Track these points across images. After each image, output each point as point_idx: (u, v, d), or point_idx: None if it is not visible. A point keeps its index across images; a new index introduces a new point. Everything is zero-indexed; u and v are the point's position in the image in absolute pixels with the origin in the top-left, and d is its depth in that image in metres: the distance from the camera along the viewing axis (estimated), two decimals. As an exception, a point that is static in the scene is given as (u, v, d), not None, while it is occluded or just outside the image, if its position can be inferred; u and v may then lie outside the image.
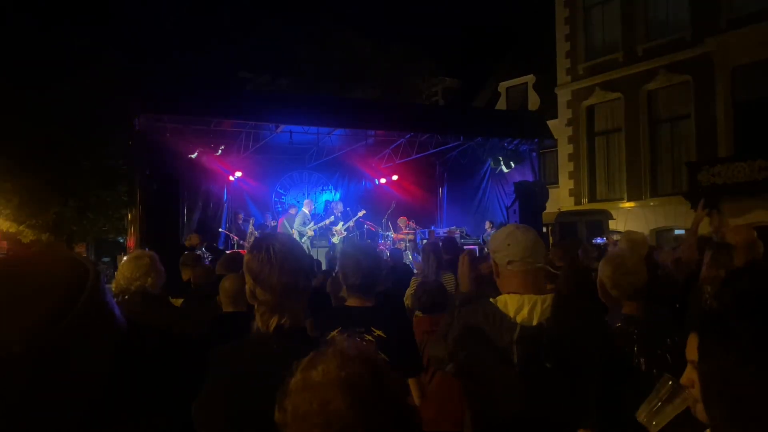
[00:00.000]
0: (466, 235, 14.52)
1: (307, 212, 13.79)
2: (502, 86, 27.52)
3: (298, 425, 1.18)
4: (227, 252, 5.90)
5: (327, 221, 13.67)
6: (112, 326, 0.71)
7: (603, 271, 2.68)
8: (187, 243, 6.91)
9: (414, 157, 15.20)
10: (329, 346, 1.26)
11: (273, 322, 1.78)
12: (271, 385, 1.23)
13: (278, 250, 1.79)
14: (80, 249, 24.72)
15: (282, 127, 12.77)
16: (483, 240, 13.69)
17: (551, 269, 2.42)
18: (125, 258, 3.52)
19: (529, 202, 12.74)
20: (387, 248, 13.00)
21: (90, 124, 22.14)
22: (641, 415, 1.37)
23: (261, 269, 1.78)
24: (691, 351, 1.12)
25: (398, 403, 1.23)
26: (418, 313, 4.26)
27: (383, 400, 1.20)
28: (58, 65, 21.63)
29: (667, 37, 18.95)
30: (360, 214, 13.94)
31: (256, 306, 1.82)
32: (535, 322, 2.11)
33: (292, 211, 14.25)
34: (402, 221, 14.58)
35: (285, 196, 15.69)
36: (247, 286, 1.84)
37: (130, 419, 0.71)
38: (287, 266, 1.78)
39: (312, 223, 13.57)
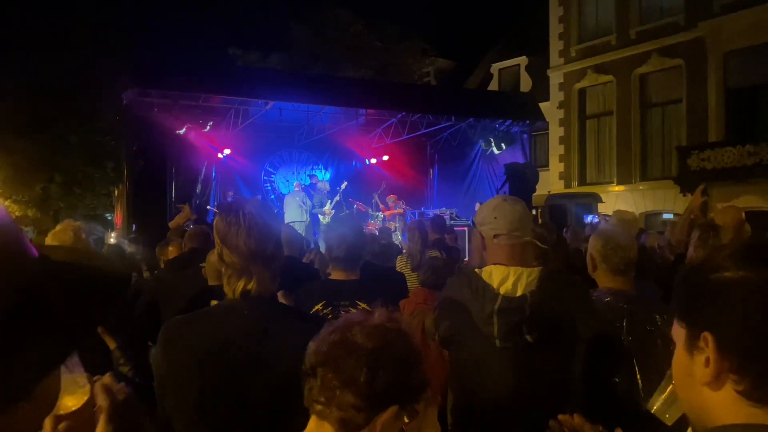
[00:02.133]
0: (456, 216, 14.50)
1: (298, 190, 13.72)
2: (495, 68, 27.39)
3: (320, 392, 1.13)
4: (193, 226, 5.72)
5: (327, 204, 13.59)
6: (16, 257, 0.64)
7: (593, 245, 2.66)
8: (172, 224, 6.74)
9: (405, 137, 15.11)
10: (358, 318, 1.21)
11: (240, 285, 1.74)
12: (243, 349, 1.20)
13: (247, 213, 1.75)
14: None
15: (271, 104, 12.63)
16: (473, 222, 13.65)
17: (539, 244, 2.38)
18: (51, 232, 3.36)
19: (520, 184, 12.73)
20: (376, 228, 12.96)
21: (78, 99, 21.87)
22: (654, 405, 1.28)
23: (228, 230, 1.74)
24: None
25: (416, 383, 1.19)
26: (417, 285, 4.25)
27: (411, 380, 1.16)
28: (46, 41, 21.31)
29: (660, 21, 18.89)
30: (342, 186, 13.86)
31: (223, 270, 1.77)
32: (518, 294, 2.08)
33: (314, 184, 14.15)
34: (391, 199, 14.53)
35: (274, 174, 15.58)
36: (215, 249, 1.80)
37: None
38: (255, 229, 1.74)
39: (329, 202, 13.54)
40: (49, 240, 3.26)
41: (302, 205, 13.28)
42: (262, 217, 1.78)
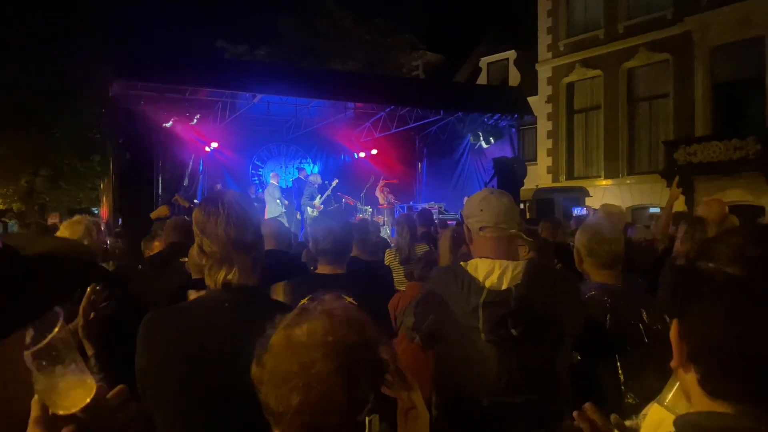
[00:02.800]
0: (445, 210, 14.52)
1: (275, 183, 13.68)
2: (483, 62, 27.38)
3: (275, 384, 1.14)
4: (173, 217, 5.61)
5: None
6: None
7: (579, 239, 2.65)
8: (153, 215, 6.66)
9: (394, 131, 15.09)
10: (317, 305, 1.21)
11: (221, 275, 1.72)
12: (225, 341, 1.18)
13: (226, 202, 1.74)
14: (53, 219, 24.33)
15: (259, 97, 12.56)
16: (461, 216, 13.68)
17: (525, 237, 2.38)
18: (64, 223, 3.46)
19: (508, 178, 12.73)
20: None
21: (64, 92, 21.63)
22: (664, 399, 1.24)
23: (207, 220, 1.73)
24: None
25: (381, 371, 1.18)
26: (414, 281, 4.23)
27: (366, 366, 1.15)
28: (31, 33, 21.04)
29: (648, 16, 18.94)
30: (333, 183, 13.84)
31: (204, 261, 1.75)
32: (504, 287, 2.06)
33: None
34: (382, 190, 14.49)
35: (262, 168, 15.51)
36: (195, 241, 1.78)
37: None
38: (234, 217, 1.72)
39: (318, 197, 13.52)
40: (62, 228, 3.39)
41: (279, 200, 13.27)
42: (241, 205, 1.77)
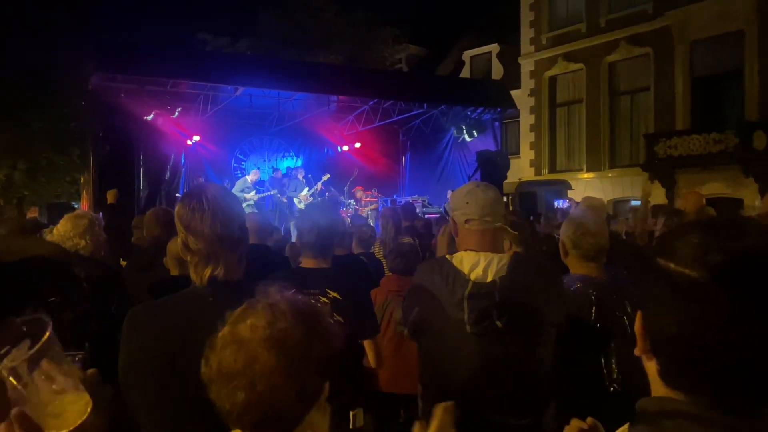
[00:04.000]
0: (428, 204, 14.53)
1: (248, 180, 13.58)
2: (467, 55, 27.41)
3: (222, 383, 1.12)
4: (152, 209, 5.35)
5: (271, 192, 13.43)
6: None
7: (564, 231, 2.67)
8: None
9: (377, 124, 15.05)
10: (261, 299, 1.19)
11: (207, 272, 1.69)
12: (208, 336, 1.17)
13: (210, 198, 1.71)
14: (32, 214, 23.97)
15: (241, 90, 12.44)
16: (445, 209, 13.73)
17: (510, 230, 2.38)
18: (66, 216, 3.42)
19: (491, 171, 12.79)
20: (349, 216, 12.92)
21: (41, 84, 21.27)
22: None
23: (192, 217, 1.69)
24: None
25: (331, 362, 1.17)
26: (388, 272, 4.23)
27: (314, 359, 1.13)
28: (5, 24, 20.64)
29: (629, 10, 19.08)
30: (324, 178, 13.79)
31: (189, 258, 1.73)
32: (489, 279, 2.07)
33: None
34: (359, 191, 14.47)
35: (245, 161, 15.39)
36: (179, 238, 1.76)
37: None
38: (220, 214, 1.70)
39: (253, 192, 13.39)
40: (64, 222, 3.35)
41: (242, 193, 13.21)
42: (226, 201, 1.74)
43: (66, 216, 3.39)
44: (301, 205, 13.21)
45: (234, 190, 12.91)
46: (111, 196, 6.48)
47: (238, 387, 1.09)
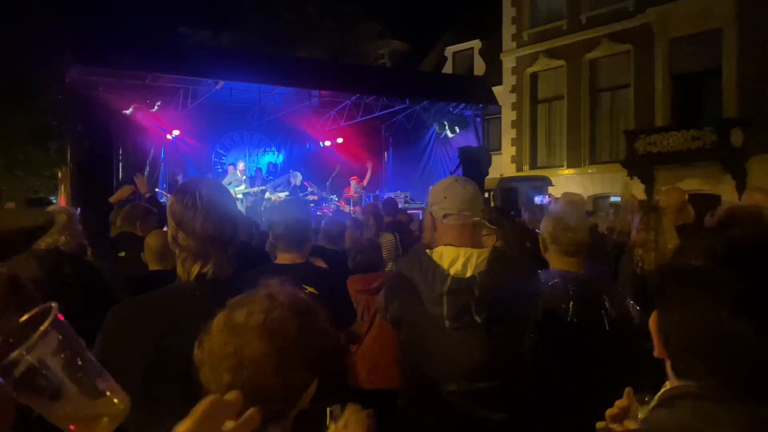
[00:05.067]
0: (411, 199, 14.54)
1: (238, 173, 13.50)
2: (449, 51, 27.42)
3: (212, 365, 1.14)
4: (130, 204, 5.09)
5: (258, 188, 13.35)
6: None
7: (545, 226, 2.67)
8: (113, 199, 6.30)
9: (359, 119, 15.03)
10: (261, 288, 1.21)
11: (195, 269, 1.68)
12: (196, 329, 1.18)
13: (205, 195, 1.68)
14: (10, 207, 23.62)
15: (221, 83, 12.34)
16: (427, 204, 13.71)
17: (489, 225, 2.39)
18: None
19: (473, 167, 12.81)
20: (330, 211, 12.88)
21: (19, 77, 20.94)
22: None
23: (185, 213, 1.67)
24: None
25: (322, 360, 1.17)
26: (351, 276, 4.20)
27: (305, 353, 1.14)
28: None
29: (610, 7, 19.19)
30: (295, 180, 13.69)
31: (177, 252, 1.71)
32: (468, 275, 2.07)
33: (230, 169, 13.97)
34: (354, 182, 14.40)
35: (225, 156, 15.29)
36: (169, 231, 1.73)
37: None
38: (213, 212, 1.67)
39: (244, 186, 13.29)
40: None
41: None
42: (220, 199, 1.72)
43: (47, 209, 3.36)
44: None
45: (268, 191, 12.91)
46: (124, 192, 6.32)
47: (226, 369, 1.11)
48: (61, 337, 0.76)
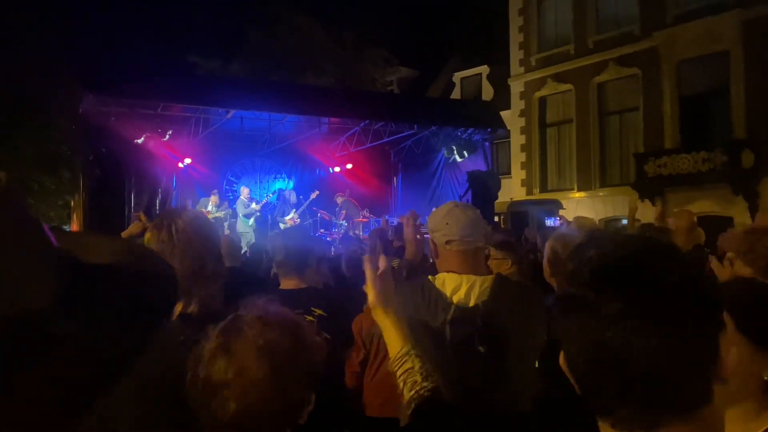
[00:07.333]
0: (420, 224, 14.52)
1: (244, 198, 13.59)
2: (457, 77, 27.63)
3: (210, 393, 1.12)
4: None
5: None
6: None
7: (548, 250, 2.65)
8: (125, 234, 6.31)
9: (368, 145, 15.12)
10: (248, 311, 1.20)
11: (177, 308, 1.55)
12: (173, 376, 1.13)
13: (181, 229, 1.56)
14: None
15: (233, 112, 12.51)
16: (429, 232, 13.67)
17: (494, 249, 2.38)
18: None
19: (482, 191, 12.84)
20: (339, 237, 12.90)
21: (30, 107, 21.25)
22: None
23: (162, 250, 1.54)
24: None
25: (317, 374, 1.18)
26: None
27: (301, 370, 1.15)
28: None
29: (616, 31, 19.30)
30: (313, 195, 13.77)
31: None
32: (471, 303, 2.05)
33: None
34: (339, 197, 14.38)
35: (237, 183, 15.39)
36: None
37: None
38: (192, 247, 1.56)
39: (254, 203, 13.42)
40: None
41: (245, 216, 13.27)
42: (199, 232, 1.60)
43: None
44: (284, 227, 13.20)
45: (240, 215, 12.98)
46: (133, 229, 6.37)
47: (229, 398, 1.10)
48: None
